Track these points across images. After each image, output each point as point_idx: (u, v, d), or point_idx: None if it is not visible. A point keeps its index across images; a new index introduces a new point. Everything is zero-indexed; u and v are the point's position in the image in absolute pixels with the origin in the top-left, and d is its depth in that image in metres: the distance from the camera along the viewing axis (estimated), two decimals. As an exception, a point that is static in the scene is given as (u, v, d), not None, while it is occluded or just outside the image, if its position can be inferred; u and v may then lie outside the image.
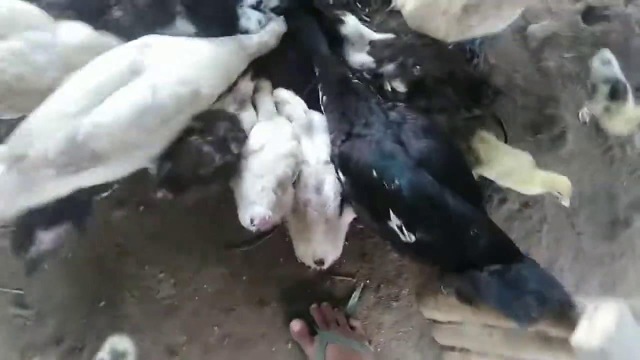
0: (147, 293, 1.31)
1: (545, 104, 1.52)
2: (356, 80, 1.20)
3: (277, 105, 1.27)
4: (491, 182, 1.45)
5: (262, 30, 1.21)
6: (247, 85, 1.22)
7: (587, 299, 0.86)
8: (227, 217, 1.15)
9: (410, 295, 1.41)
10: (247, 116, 1.18)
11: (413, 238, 1.02)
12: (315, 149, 1.20)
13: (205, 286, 1.33)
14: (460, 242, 0.99)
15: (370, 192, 1.05)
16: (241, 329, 1.34)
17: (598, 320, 0.78)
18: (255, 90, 1.26)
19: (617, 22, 1.57)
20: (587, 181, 1.51)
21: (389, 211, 1.02)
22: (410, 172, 0.99)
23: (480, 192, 1.10)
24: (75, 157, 0.91)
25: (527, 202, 1.47)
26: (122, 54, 0.99)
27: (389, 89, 1.22)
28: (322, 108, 1.24)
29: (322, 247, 1.17)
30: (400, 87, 1.20)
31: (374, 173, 1.02)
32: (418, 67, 1.18)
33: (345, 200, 1.17)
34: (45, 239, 1.07)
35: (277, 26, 1.24)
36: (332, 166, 1.18)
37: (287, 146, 1.14)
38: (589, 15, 1.59)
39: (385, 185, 1.00)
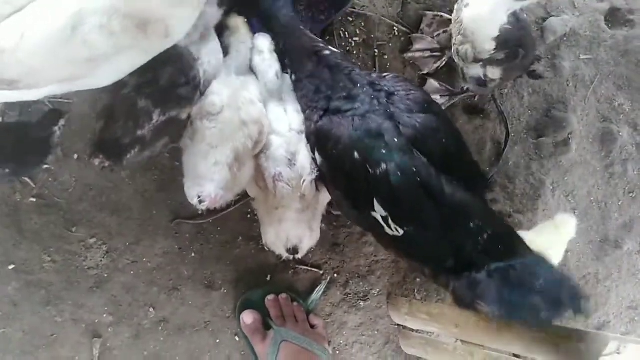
0: (72, 259, 1.07)
1: (553, 106, 1.39)
2: (329, 51, 0.99)
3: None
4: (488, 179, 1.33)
5: None
6: (211, 11, 0.94)
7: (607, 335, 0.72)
8: (181, 180, 0.94)
9: (381, 295, 1.26)
10: (207, 54, 0.92)
11: (401, 231, 0.84)
12: (287, 116, 1.00)
13: (145, 259, 1.11)
14: (459, 236, 0.82)
15: (350, 177, 0.87)
16: (182, 314, 1.14)
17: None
18: (226, 28, 1.00)
19: (641, 29, 1.45)
20: (583, 194, 1.40)
21: (372, 200, 0.84)
22: (400, 153, 0.81)
23: (483, 177, 0.94)
24: None
25: (519, 210, 1.34)
26: None
27: (482, 76, 1.07)
28: (292, 86, 1.03)
29: (296, 231, 0.98)
30: (496, 73, 1.05)
31: (356, 154, 0.83)
32: (522, 52, 1.05)
33: (321, 179, 0.99)
34: None
35: None
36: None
37: (250, 111, 0.92)
38: (613, 17, 1.47)
39: (370, 169, 0.82)
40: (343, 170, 0.87)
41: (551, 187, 1.36)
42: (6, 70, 0.68)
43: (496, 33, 1.01)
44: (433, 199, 0.80)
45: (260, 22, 1.06)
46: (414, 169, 0.81)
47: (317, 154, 0.94)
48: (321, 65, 0.96)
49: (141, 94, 0.84)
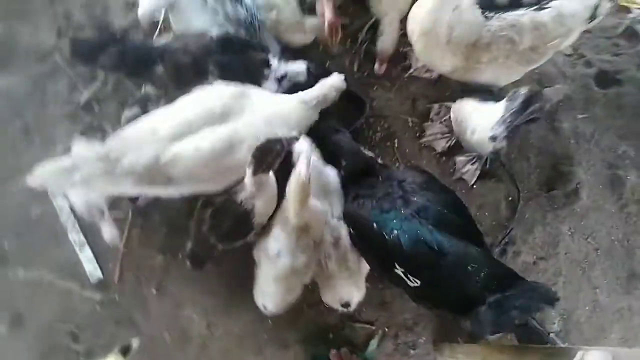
0: (182, 333, 1.44)
1: (559, 162, 1.59)
2: (378, 163, 1.34)
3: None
4: (506, 233, 1.54)
5: (319, 84, 1.31)
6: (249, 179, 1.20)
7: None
8: (253, 268, 1.30)
9: (428, 343, 1.47)
10: (261, 207, 1.24)
11: (418, 282, 1.09)
12: (331, 208, 1.31)
13: (234, 329, 1.45)
14: (461, 279, 1.05)
15: (373, 243, 1.15)
16: (267, 370, 1.44)
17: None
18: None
19: (630, 85, 1.64)
20: (603, 235, 1.54)
21: (393, 260, 1.11)
22: (406, 222, 1.08)
23: (477, 231, 1.18)
24: (154, 176, 1.14)
25: (542, 256, 1.51)
26: (219, 96, 1.20)
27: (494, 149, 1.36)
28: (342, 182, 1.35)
29: (346, 291, 1.28)
30: (503, 143, 1.33)
31: (375, 226, 1.11)
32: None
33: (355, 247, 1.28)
34: None
35: (336, 80, 1.32)
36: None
37: (303, 259, 1.22)
38: (602, 79, 1.67)
39: (386, 236, 1.09)
40: (368, 239, 1.16)
41: (569, 233, 1.53)
42: (174, 169, 1.13)
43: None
44: (435, 252, 1.05)
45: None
46: (418, 232, 1.06)
47: (350, 228, 1.24)
48: (370, 175, 1.26)
49: (214, 230, 1.25)
